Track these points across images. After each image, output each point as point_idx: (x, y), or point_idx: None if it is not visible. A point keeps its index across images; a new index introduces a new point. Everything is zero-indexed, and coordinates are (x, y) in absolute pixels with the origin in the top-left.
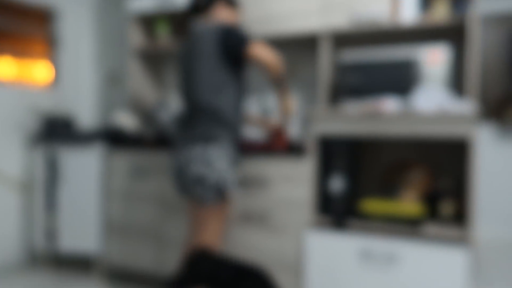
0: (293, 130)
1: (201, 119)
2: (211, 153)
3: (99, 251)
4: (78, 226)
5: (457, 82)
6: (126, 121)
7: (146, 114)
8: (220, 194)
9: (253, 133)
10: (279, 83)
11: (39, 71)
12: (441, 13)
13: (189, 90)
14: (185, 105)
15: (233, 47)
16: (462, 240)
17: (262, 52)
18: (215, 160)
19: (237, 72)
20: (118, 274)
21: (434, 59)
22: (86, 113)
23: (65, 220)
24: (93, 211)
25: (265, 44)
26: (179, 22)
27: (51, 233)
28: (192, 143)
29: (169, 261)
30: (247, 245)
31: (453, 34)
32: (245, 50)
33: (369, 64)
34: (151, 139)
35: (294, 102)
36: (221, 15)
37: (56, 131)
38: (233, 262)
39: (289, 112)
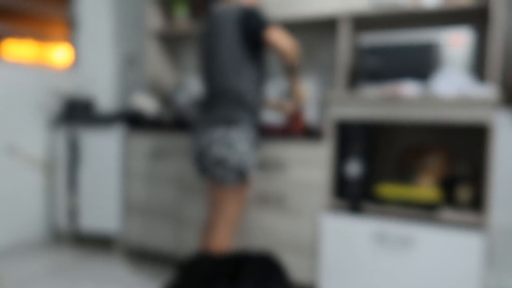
0: (311, 114)
1: (223, 102)
2: (233, 136)
3: (119, 230)
4: (99, 205)
5: (478, 66)
6: (145, 103)
7: (164, 97)
8: (240, 176)
9: (271, 116)
10: (292, 70)
11: (59, 53)
12: None
13: (210, 72)
14: (206, 87)
15: (252, 30)
16: (478, 226)
17: (279, 38)
18: (237, 142)
19: (257, 55)
20: (137, 253)
21: (456, 42)
22: (105, 94)
23: (86, 199)
24: (113, 191)
25: (282, 30)
26: (197, 3)
27: (72, 212)
28: (214, 125)
29: (187, 241)
30: (264, 227)
31: (476, 18)
32: (263, 35)
33: (389, 48)
34: (169, 121)
35: (306, 88)
36: None
37: (76, 113)
38: (233, 255)
39: (300, 98)
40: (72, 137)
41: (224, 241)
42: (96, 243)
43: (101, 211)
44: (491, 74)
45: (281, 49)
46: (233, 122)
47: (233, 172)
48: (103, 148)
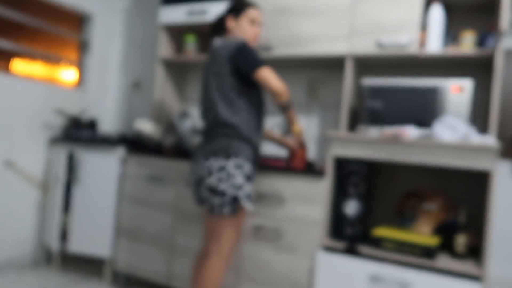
0: (312, 151)
1: (219, 134)
2: (229, 167)
3: (111, 254)
4: (92, 227)
5: (477, 116)
6: (148, 128)
7: (167, 123)
8: (235, 207)
9: (273, 149)
10: (284, 108)
11: (68, 74)
12: (467, 46)
13: (206, 104)
14: (203, 119)
15: (241, 69)
16: (476, 276)
17: (268, 79)
18: (233, 174)
19: (251, 89)
20: (127, 279)
21: (458, 91)
22: (109, 116)
23: (79, 221)
24: (108, 214)
25: (272, 70)
26: (207, 35)
27: (64, 233)
28: (211, 156)
29: (179, 270)
30: (259, 261)
31: (477, 68)
32: (252, 75)
33: (391, 90)
34: (170, 148)
35: (301, 126)
36: (236, 29)
37: (78, 132)
38: None
39: (298, 134)
40: (71, 156)
41: (217, 272)
42: (86, 266)
43: (93, 234)
44: (491, 124)
45: (270, 89)
46: (230, 154)
47: (229, 203)
48: (102, 169)
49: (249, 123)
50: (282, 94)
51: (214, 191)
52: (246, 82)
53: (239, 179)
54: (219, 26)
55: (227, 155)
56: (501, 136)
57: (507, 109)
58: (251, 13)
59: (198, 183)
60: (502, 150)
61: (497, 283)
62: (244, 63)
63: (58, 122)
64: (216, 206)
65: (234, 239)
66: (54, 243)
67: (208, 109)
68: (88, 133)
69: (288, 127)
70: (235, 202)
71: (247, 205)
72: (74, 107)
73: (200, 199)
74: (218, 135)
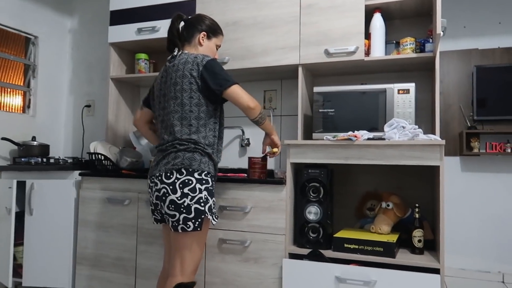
0: (271, 160)
1: (182, 150)
2: (194, 183)
3: (71, 285)
4: (49, 259)
5: (422, 118)
6: (103, 149)
7: (123, 143)
8: (198, 223)
9: (232, 162)
10: (258, 122)
11: (15, 99)
12: (408, 51)
13: (165, 121)
14: (161, 135)
15: (211, 86)
16: (434, 268)
17: (239, 96)
18: (198, 190)
19: (213, 106)
20: None
21: (403, 94)
22: (62, 141)
23: (34, 253)
24: (66, 242)
25: (240, 88)
26: (158, 52)
27: (17, 266)
28: (175, 172)
29: None
30: (225, 275)
31: (418, 73)
32: (223, 92)
33: (343, 96)
34: (127, 168)
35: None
36: (204, 47)
37: (29, 159)
38: None
39: (276, 144)
40: (23, 184)
41: None
42: None
43: (51, 265)
44: (436, 124)
45: (243, 106)
46: (193, 169)
47: (194, 218)
48: (57, 196)
49: (209, 138)
50: (255, 108)
51: (178, 207)
52: (210, 98)
53: (203, 194)
54: (181, 38)
55: (191, 170)
56: (446, 135)
57: (448, 110)
58: (221, 39)
59: (159, 200)
60: (449, 148)
61: (453, 274)
62: (214, 81)
63: (7, 150)
64: (181, 222)
65: (198, 256)
66: (6, 278)
67: (166, 125)
68: (40, 160)
69: (265, 138)
70: (200, 217)
71: (212, 220)
72: (23, 133)
73: (162, 216)
74: (179, 151)
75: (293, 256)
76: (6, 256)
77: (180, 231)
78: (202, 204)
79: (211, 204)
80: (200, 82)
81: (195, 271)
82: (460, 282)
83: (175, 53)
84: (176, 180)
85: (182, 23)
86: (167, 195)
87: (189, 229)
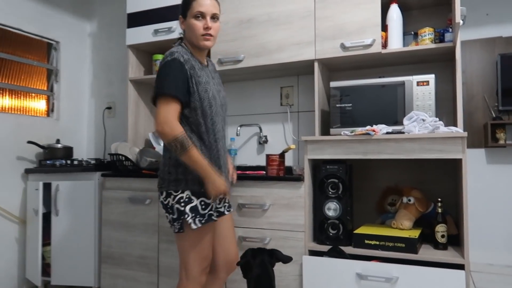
0: (290, 157)
1: (164, 154)
2: (171, 189)
3: (96, 283)
4: (75, 257)
5: (443, 110)
6: (123, 150)
7: (143, 143)
8: (182, 225)
9: (250, 159)
10: (174, 151)
11: (39, 103)
12: (427, 42)
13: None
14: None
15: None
16: (458, 264)
17: (157, 112)
18: (175, 194)
19: (187, 108)
20: None
21: (422, 86)
22: (84, 143)
23: (61, 252)
24: (90, 242)
25: (165, 104)
26: None
27: (45, 264)
28: (160, 175)
29: None
30: None
31: (438, 64)
32: (153, 100)
33: (360, 90)
34: (148, 168)
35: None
36: (187, 31)
37: (54, 162)
38: None
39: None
40: (48, 186)
41: None
42: None
43: (76, 263)
44: (458, 116)
45: (155, 123)
46: (170, 178)
47: (176, 220)
48: (80, 197)
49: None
50: (162, 134)
51: (166, 208)
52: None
53: (185, 194)
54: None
55: (170, 178)
56: (469, 126)
57: (472, 101)
58: (195, 6)
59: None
60: (473, 140)
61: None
62: (155, 86)
63: (33, 153)
64: (171, 223)
65: (199, 258)
66: (36, 277)
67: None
68: (64, 162)
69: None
70: (180, 218)
71: (192, 224)
72: (48, 136)
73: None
74: (164, 153)
75: (313, 253)
76: (35, 256)
77: (174, 232)
78: (183, 204)
79: (196, 205)
80: None
81: (203, 271)
82: (488, 278)
83: None
84: (161, 185)
85: None
86: (159, 196)
87: (176, 231)
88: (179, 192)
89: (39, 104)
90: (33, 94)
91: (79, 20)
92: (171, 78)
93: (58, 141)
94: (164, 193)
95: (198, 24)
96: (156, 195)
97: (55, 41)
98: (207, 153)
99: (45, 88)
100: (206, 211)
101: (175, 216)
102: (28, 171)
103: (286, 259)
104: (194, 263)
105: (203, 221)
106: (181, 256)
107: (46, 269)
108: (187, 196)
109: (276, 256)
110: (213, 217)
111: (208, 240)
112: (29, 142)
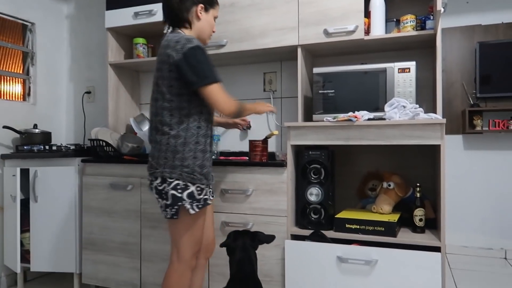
0: (273, 143)
1: (156, 141)
2: (165, 174)
3: (78, 269)
4: (55, 244)
5: (423, 97)
6: (103, 135)
7: (124, 129)
8: (178, 210)
9: (233, 145)
10: (237, 116)
11: (15, 85)
12: (408, 29)
13: (150, 107)
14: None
15: (187, 78)
16: (435, 246)
17: (215, 98)
18: (170, 179)
19: (189, 95)
20: None
21: (403, 73)
22: (63, 128)
23: (41, 238)
24: (71, 228)
25: (220, 89)
26: (156, 36)
27: (25, 252)
28: (151, 162)
29: (151, 278)
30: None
31: (419, 51)
32: (199, 89)
33: (343, 76)
34: (129, 153)
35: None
36: (202, 21)
37: (32, 147)
38: None
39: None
40: (26, 172)
41: (178, 277)
42: (53, 283)
43: (57, 249)
44: (437, 102)
45: (218, 108)
46: (165, 163)
47: (171, 205)
48: (60, 183)
49: (189, 129)
50: (232, 113)
51: (159, 193)
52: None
53: (176, 182)
54: (175, 16)
55: (164, 164)
56: (448, 113)
57: (451, 88)
58: (217, 10)
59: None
60: (451, 126)
61: (455, 252)
62: (191, 74)
63: (9, 139)
64: (164, 209)
65: (192, 242)
66: (14, 264)
67: (150, 112)
68: (42, 147)
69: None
70: (177, 204)
71: (190, 209)
72: (24, 121)
73: None
74: (155, 140)
75: (295, 237)
76: (13, 243)
77: (167, 218)
78: (180, 191)
79: (192, 191)
80: (178, 71)
81: (194, 255)
82: (463, 259)
83: (165, 31)
84: (153, 171)
85: None
86: (153, 181)
87: (170, 217)
88: (174, 179)
89: (15, 88)
90: (8, 78)
91: (55, 0)
92: (211, 65)
93: (35, 126)
94: (160, 179)
95: (214, 24)
96: (138, 181)
97: (30, 22)
98: (210, 132)
99: (21, 72)
100: (202, 195)
101: (168, 202)
102: (4, 157)
103: (269, 239)
104: (187, 247)
105: (200, 206)
106: (174, 240)
107: (25, 255)
108: (184, 182)
109: (258, 238)
110: (208, 201)
111: (201, 224)
112: (5, 127)
